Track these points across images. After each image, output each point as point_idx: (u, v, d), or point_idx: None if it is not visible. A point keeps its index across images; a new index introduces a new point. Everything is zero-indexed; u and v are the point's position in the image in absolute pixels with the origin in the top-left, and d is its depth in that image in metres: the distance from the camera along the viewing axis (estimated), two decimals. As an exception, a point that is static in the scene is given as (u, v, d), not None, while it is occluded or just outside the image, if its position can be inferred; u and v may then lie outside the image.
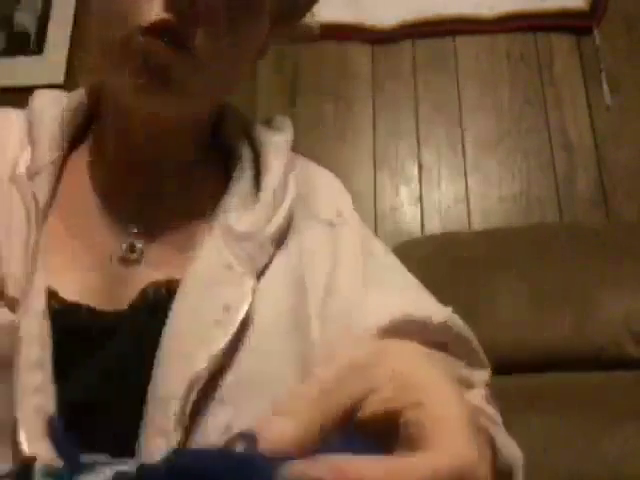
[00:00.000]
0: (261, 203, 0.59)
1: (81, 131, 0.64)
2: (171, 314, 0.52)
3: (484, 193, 1.60)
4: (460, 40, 1.75)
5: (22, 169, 0.58)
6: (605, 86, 1.65)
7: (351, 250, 0.62)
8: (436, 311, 0.60)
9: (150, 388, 0.49)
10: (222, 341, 0.51)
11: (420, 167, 1.64)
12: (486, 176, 1.62)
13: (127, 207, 0.60)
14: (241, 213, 0.58)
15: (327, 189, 0.68)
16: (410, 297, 0.62)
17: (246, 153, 0.63)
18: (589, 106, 1.65)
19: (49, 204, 0.57)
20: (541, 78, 1.69)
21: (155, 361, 0.50)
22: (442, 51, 1.75)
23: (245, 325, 0.53)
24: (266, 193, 0.60)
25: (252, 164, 0.62)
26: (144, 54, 0.53)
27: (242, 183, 0.61)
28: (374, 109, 1.71)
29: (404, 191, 1.62)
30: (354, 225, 0.65)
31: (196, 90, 0.57)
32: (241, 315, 0.52)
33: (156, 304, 0.54)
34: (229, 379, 0.51)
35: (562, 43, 1.72)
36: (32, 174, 0.57)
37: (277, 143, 0.64)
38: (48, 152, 0.59)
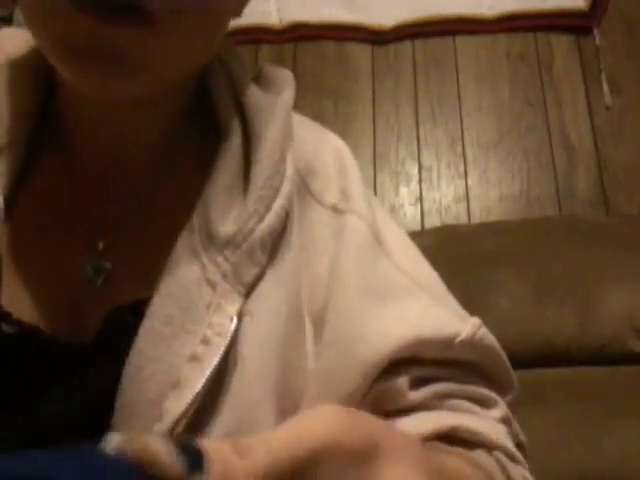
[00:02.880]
0: (250, 195, 0.46)
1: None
2: (134, 348, 0.42)
3: (484, 193, 1.60)
4: (460, 40, 1.75)
5: None
6: (605, 86, 1.65)
7: (356, 250, 0.50)
8: (461, 325, 0.50)
9: None
10: (198, 383, 0.41)
11: (420, 167, 1.64)
12: (486, 176, 1.62)
13: (96, 213, 0.50)
14: (225, 209, 0.46)
15: (331, 159, 0.54)
16: (431, 311, 0.50)
17: (234, 123, 0.49)
18: (589, 106, 1.65)
19: (13, 195, 0.48)
20: (541, 78, 1.70)
21: (113, 419, 0.41)
22: (442, 51, 1.75)
23: (227, 361, 0.43)
24: (256, 182, 0.47)
25: (241, 137, 0.49)
26: (77, 34, 0.40)
27: (228, 167, 0.48)
28: (374, 109, 1.71)
29: (404, 191, 1.62)
30: (362, 210, 0.51)
31: (159, 64, 0.43)
32: (222, 348, 0.42)
33: (119, 335, 0.44)
34: (207, 433, 0.42)
35: (562, 43, 1.73)
36: None
37: (271, 107, 0.50)
38: (14, 126, 0.49)
